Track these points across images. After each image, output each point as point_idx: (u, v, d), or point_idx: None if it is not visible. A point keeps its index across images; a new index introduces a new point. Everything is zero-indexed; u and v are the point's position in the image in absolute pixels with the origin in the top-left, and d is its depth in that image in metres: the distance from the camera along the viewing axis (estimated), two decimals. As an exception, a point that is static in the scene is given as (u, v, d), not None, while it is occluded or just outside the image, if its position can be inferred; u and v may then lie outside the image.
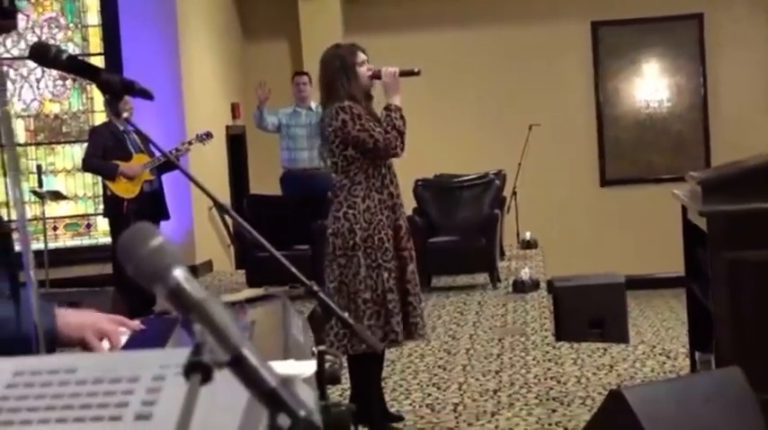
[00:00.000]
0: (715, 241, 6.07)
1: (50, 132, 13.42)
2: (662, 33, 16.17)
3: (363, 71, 6.43)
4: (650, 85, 16.47)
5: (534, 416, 6.69)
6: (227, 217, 11.10)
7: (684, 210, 7.12)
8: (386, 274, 6.32)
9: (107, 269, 10.34)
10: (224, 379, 1.50)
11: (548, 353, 8.62)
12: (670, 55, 16.34)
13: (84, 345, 2.85)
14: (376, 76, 6.51)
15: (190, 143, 10.53)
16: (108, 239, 11.28)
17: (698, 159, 15.15)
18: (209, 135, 10.86)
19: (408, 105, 6.58)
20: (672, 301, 10.71)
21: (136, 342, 2.84)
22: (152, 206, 9.83)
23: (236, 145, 14.90)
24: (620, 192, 16.01)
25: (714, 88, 16.25)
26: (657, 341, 9.41)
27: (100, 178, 10.63)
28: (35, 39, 11.00)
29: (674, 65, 16.40)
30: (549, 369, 8.03)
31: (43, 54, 3.21)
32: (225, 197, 12.47)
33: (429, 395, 7.39)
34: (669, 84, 16.41)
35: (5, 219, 3.04)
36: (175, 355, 1.70)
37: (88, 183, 12.79)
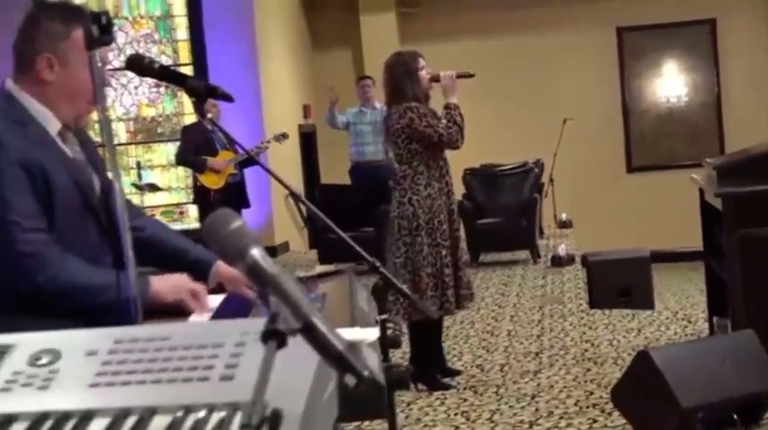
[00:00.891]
0: (729, 219, 6.04)
1: (147, 133, 13.54)
2: (679, 37, 16.08)
3: (424, 75, 6.50)
4: (669, 83, 16.40)
5: (572, 374, 6.67)
6: (300, 204, 11.13)
7: (702, 192, 7.10)
8: (444, 252, 6.42)
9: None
10: (297, 344, 1.50)
11: (582, 319, 8.62)
12: (686, 56, 16.24)
13: (178, 306, 2.87)
14: (435, 78, 6.56)
15: (268, 142, 10.57)
16: (197, 224, 11.35)
17: (712, 147, 15.03)
18: (285, 135, 10.91)
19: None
20: (691, 273, 10.61)
21: (221, 313, 2.85)
22: (235, 196, 9.88)
23: (308, 141, 14.92)
24: (644, 177, 15.94)
25: (726, 85, 16.15)
26: (679, 308, 9.32)
27: (191, 172, 10.68)
28: (133, 52, 11.05)
29: (691, 65, 16.30)
30: (584, 333, 8.02)
31: (139, 64, 3.23)
32: (298, 187, 12.48)
33: (479, 357, 7.38)
34: (686, 81, 16.32)
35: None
36: (254, 324, 1.71)
37: (180, 176, 12.87)
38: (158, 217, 12.99)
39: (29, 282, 2.73)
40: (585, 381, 6.43)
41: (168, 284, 2.92)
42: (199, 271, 3.11)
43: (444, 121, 6.42)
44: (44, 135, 2.91)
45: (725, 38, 16.00)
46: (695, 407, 4.94)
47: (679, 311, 9.02)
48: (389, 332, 3.01)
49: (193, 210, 12.45)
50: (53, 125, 2.94)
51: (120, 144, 12.34)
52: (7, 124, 2.83)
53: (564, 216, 13.68)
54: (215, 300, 2.99)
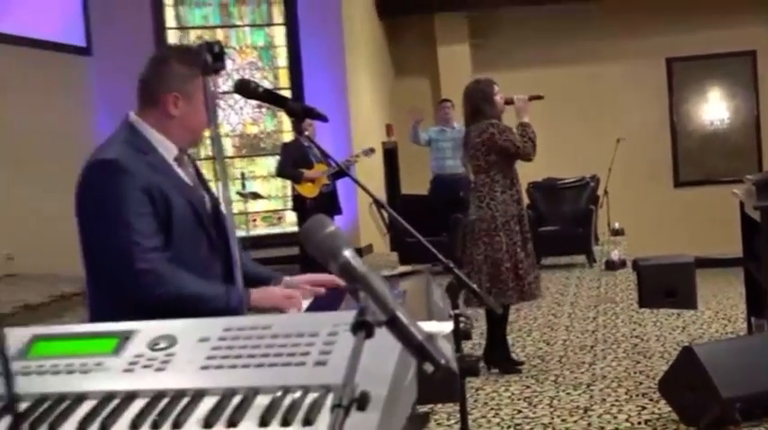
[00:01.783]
0: (766, 229, 5.95)
1: (251, 147, 13.64)
2: (722, 66, 15.85)
3: (498, 99, 6.56)
4: (713, 108, 16.17)
5: (622, 366, 6.61)
6: (383, 211, 11.17)
7: (742, 205, 7.01)
8: (518, 249, 6.51)
9: (293, 251, 10.50)
10: (382, 335, 1.51)
11: (632, 317, 8.52)
12: (729, 83, 16.02)
13: (275, 309, 2.89)
14: (509, 101, 6.66)
15: (357, 156, 10.60)
16: (294, 229, 11.41)
17: (751, 165, 14.84)
18: (372, 150, 10.97)
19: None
20: (731, 277, 10.43)
21: (315, 306, 2.87)
22: (328, 203, 9.91)
23: (390, 156, 14.93)
24: (689, 191, 15.74)
25: (764, 109, 15.93)
26: (720, 309, 9.19)
27: (289, 182, 10.73)
28: (240, 78, 11.21)
29: (733, 91, 16.07)
30: (634, 329, 7.93)
31: (245, 88, 3.26)
32: (381, 197, 12.52)
33: (540, 349, 7.35)
34: (728, 106, 16.09)
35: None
36: (345, 317, 1.71)
37: (279, 186, 12.92)
38: (259, 222, 13.13)
39: (145, 296, 2.76)
40: (635, 373, 6.38)
41: (265, 295, 2.94)
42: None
43: (519, 137, 6.48)
44: (163, 162, 2.95)
45: (763, 67, 15.77)
46: (734, 398, 4.88)
47: (720, 312, 8.91)
48: (462, 325, 3.01)
49: (290, 216, 12.49)
50: (170, 152, 2.98)
51: (227, 157, 12.45)
52: (132, 153, 2.87)
53: (617, 225, 13.56)
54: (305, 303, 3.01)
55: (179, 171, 3.00)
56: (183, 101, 2.96)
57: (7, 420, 1.62)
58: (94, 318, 2.87)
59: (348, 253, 1.57)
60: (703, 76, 16.02)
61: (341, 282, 2.92)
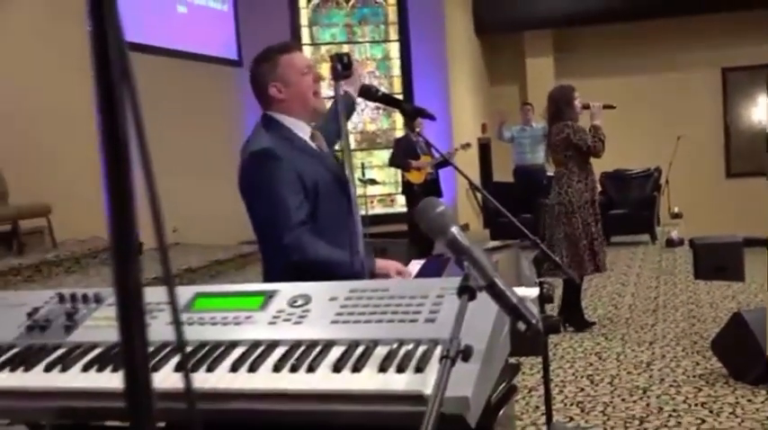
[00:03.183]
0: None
1: (369, 142, 13.72)
2: (770, 75, 15.50)
3: (577, 103, 6.49)
4: (761, 111, 15.74)
5: (680, 328, 6.48)
6: (479, 195, 11.15)
7: (786, 193, 6.84)
8: (593, 229, 6.50)
9: (402, 228, 10.54)
10: (482, 298, 1.49)
11: (689, 287, 8.37)
12: (777, 89, 15.67)
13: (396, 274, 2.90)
14: (586, 106, 6.59)
15: (456, 149, 10.58)
16: (403, 209, 11.39)
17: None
18: (468, 145, 10.93)
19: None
20: (776, 255, 10.15)
21: (424, 273, 2.86)
22: (432, 189, 9.90)
23: (484, 150, 14.85)
24: (740, 181, 15.36)
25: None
26: (764, 281, 8.92)
27: (399, 170, 10.76)
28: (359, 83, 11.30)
29: (780, 96, 15.71)
30: (690, 297, 7.78)
31: (368, 93, 3.28)
32: (476, 183, 12.53)
33: (609, 312, 7.25)
34: (776, 109, 15.74)
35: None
36: (451, 282, 1.71)
37: (391, 174, 12.96)
38: (375, 203, 13.20)
39: (289, 260, 2.80)
40: (691, 334, 6.25)
41: (386, 264, 2.95)
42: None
43: (591, 137, 6.42)
44: (303, 142, 2.96)
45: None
46: (777, 357, 4.77)
47: (764, 284, 8.65)
48: (545, 291, 2.97)
49: (400, 199, 12.50)
50: (305, 131, 2.99)
51: (351, 149, 12.55)
52: (278, 141, 2.89)
53: (676, 209, 13.33)
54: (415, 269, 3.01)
55: (314, 146, 3.01)
56: (282, 85, 2.95)
57: (176, 359, 1.67)
58: (266, 278, 2.93)
59: (455, 229, 1.56)
60: (753, 83, 15.63)
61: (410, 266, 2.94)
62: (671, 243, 11.31)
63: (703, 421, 4.30)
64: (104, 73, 0.61)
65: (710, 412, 4.44)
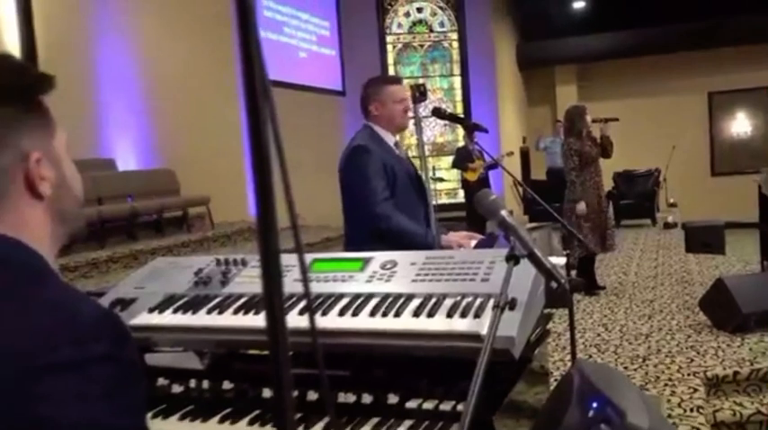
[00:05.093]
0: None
1: (438, 150, 13.63)
2: (749, 97, 14.82)
3: (588, 118, 6.23)
4: (740, 123, 15.14)
5: (674, 290, 6.27)
6: (520, 189, 11.00)
7: (759, 187, 6.56)
8: (599, 218, 6.18)
9: (462, 214, 10.45)
10: (524, 263, 1.47)
11: (681, 258, 8.07)
12: (752, 109, 14.97)
13: (460, 245, 2.89)
14: (596, 120, 6.32)
15: (503, 156, 10.43)
16: (462, 200, 11.27)
17: (766, 161, 13.84)
18: (512, 153, 10.89)
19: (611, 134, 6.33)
20: (750, 235, 9.69)
21: (479, 245, 2.85)
22: (483, 185, 9.77)
23: (524, 156, 14.61)
24: (722, 179, 14.84)
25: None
26: (741, 255, 8.59)
27: (460, 171, 10.67)
28: (431, 106, 11.29)
29: (754, 113, 15.00)
30: (682, 266, 7.51)
31: (438, 113, 3.26)
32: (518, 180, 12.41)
33: (619, 277, 7.06)
34: (751, 123, 15.07)
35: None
36: (500, 252, 1.69)
37: (454, 174, 12.84)
38: (443, 196, 13.13)
39: (377, 228, 2.81)
40: (683, 294, 6.05)
41: (453, 237, 2.94)
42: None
43: (598, 145, 6.25)
44: (388, 146, 3.00)
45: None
46: (750, 313, 4.60)
47: (742, 257, 8.34)
48: (570, 260, 2.92)
49: (460, 193, 12.40)
50: (390, 140, 3.03)
51: (425, 155, 12.53)
52: (371, 141, 2.94)
53: (671, 200, 12.95)
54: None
55: (397, 151, 3.04)
56: (380, 105, 2.99)
57: (301, 305, 1.69)
58: (348, 246, 2.95)
59: (504, 212, 1.55)
60: (732, 104, 15.06)
61: (472, 239, 2.91)
62: (667, 226, 11.02)
63: (692, 360, 4.18)
64: (251, 96, 0.62)
65: (698, 353, 4.31)
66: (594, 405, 1.21)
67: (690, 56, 14.43)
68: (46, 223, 0.96)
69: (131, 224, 7.99)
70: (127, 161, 9.30)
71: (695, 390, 3.68)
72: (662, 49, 14.30)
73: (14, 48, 7.46)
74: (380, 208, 2.82)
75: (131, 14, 9.23)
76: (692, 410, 3.45)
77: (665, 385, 3.79)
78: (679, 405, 3.52)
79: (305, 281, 0.71)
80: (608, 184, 6.99)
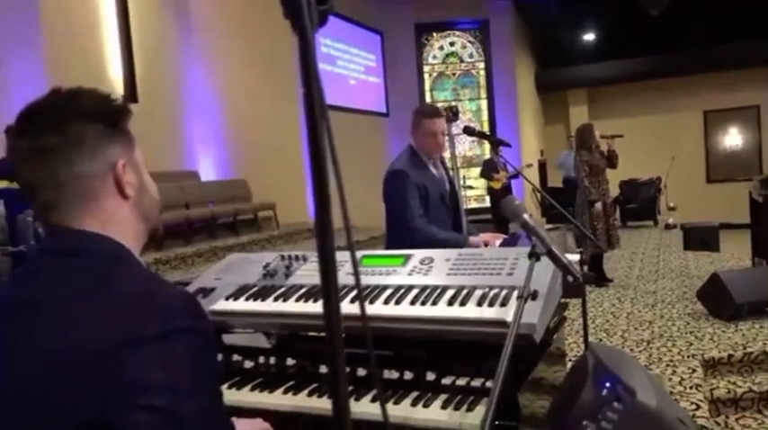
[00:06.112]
0: (765, 207, 5.31)
1: (468, 162, 13.49)
2: (739, 115, 14.35)
3: (597, 134, 6.09)
4: (732, 137, 14.61)
5: (675, 283, 6.08)
6: (538, 194, 10.82)
7: (750, 193, 6.31)
8: (607, 219, 6.04)
9: (488, 217, 10.31)
10: (544, 260, 1.44)
11: (680, 255, 7.82)
12: (743, 125, 14.45)
13: (487, 243, 2.84)
14: (603, 136, 6.16)
15: (523, 167, 10.29)
16: (488, 205, 11.16)
17: (755, 170, 13.36)
18: (530, 165, 10.74)
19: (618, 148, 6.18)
20: (742, 235, 9.36)
21: (504, 244, 2.80)
22: (506, 192, 9.63)
23: (542, 167, 14.37)
24: (716, 185, 14.39)
25: (764, 138, 14.29)
26: (734, 251, 8.28)
27: (486, 180, 10.56)
28: (462, 125, 11.22)
29: (744, 129, 14.48)
30: (682, 262, 7.28)
31: (468, 130, 3.23)
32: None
33: (625, 272, 6.88)
34: (742, 137, 14.54)
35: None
36: (522, 250, 1.65)
37: (481, 183, 12.66)
38: (472, 201, 13.01)
39: (414, 239, 2.79)
40: (682, 286, 5.86)
41: (477, 239, 2.89)
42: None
43: (605, 158, 6.09)
44: (425, 166, 2.96)
45: (764, 113, 14.19)
46: (743, 303, 4.43)
47: (734, 254, 8.04)
48: (582, 256, 2.85)
49: (487, 199, 12.25)
50: (428, 160, 2.99)
51: (458, 167, 12.43)
52: (409, 164, 2.91)
53: (671, 204, 12.58)
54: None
55: (433, 170, 2.99)
56: (422, 132, 2.94)
57: (352, 294, 1.68)
58: (389, 249, 2.92)
59: (526, 215, 1.52)
60: (725, 120, 14.57)
61: (496, 239, 2.86)
62: (668, 227, 10.67)
63: (691, 344, 4.04)
64: (311, 116, 0.61)
65: (696, 338, 4.16)
66: (607, 384, 1.17)
67: (687, 79, 14.07)
68: (131, 221, 0.99)
69: (212, 225, 8.12)
70: (208, 172, 9.46)
71: (694, 371, 3.55)
72: (662, 74, 13.98)
73: (118, 77, 7.65)
74: (416, 223, 2.80)
75: (212, 48, 9.40)
76: (691, 388, 3.33)
77: (667, 365, 3.67)
78: (680, 383, 3.40)
79: (356, 274, 0.70)
80: (615, 191, 6.82)
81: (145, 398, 0.78)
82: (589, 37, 15.03)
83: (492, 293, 1.59)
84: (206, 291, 1.87)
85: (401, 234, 2.87)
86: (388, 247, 2.95)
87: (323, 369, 1.70)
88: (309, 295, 1.77)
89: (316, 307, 1.69)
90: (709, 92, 14.19)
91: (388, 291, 1.71)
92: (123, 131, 0.99)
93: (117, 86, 7.45)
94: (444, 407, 1.49)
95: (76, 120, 0.93)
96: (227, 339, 1.82)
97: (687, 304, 5.11)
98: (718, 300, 4.56)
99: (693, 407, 3.09)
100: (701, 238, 8.50)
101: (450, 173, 3.17)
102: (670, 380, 3.44)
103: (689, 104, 14.42)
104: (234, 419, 1.32)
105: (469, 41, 13.50)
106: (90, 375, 0.79)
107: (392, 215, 2.93)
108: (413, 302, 1.63)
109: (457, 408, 1.48)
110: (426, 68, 13.29)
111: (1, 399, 0.83)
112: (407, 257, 1.87)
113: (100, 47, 7.51)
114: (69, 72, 6.47)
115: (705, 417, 3.01)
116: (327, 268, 0.64)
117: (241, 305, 1.80)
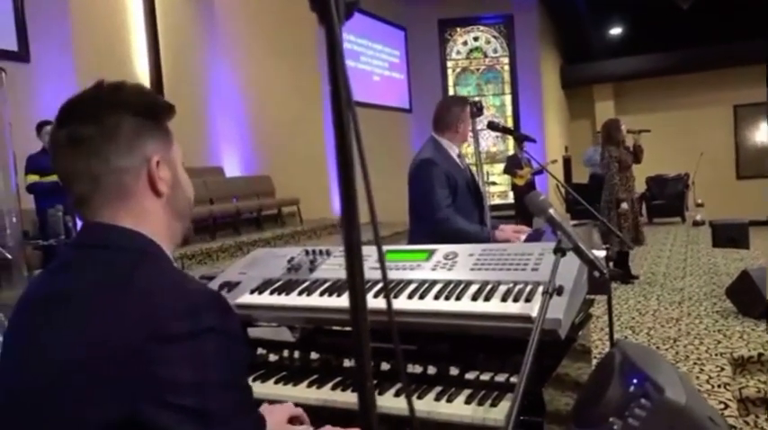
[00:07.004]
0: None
1: (491, 158, 13.41)
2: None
3: (624, 129, 6.00)
4: (762, 132, 14.25)
5: (702, 280, 5.98)
6: (562, 190, 10.71)
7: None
8: (633, 216, 5.98)
9: (512, 212, 10.23)
10: (570, 256, 1.42)
11: (709, 252, 7.68)
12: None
13: (511, 240, 2.82)
14: (630, 131, 6.09)
15: (547, 163, 10.19)
16: (512, 201, 11.05)
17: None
18: (555, 161, 10.62)
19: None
20: (772, 231, 9.23)
21: (528, 239, 2.77)
22: (530, 188, 9.56)
23: (567, 163, 14.22)
24: (746, 182, 14.09)
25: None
26: (765, 249, 8.12)
27: (510, 176, 10.47)
28: (486, 120, 11.13)
29: (776, 123, 14.29)
30: (710, 259, 7.14)
31: (492, 125, 3.20)
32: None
33: (652, 267, 6.79)
34: (773, 132, 14.31)
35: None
36: (548, 245, 1.64)
37: (505, 178, 12.57)
38: (496, 197, 12.92)
39: (440, 230, 2.75)
40: (710, 284, 5.76)
41: (503, 234, 2.87)
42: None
43: (631, 153, 6.00)
44: (452, 158, 2.94)
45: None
46: (774, 301, 4.33)
47: (765, 251, 7.87)
48: (608, 253, 2.81)
49: (510, 194, 12.17)
50: (454, 151, 2.97)
51: (481, 163, 12.32)
52: (437, 154, 2.89)
53: (700, 200, 12.35)
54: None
55: (458, 161, 2.97)
56: (463, 125, 2.94)
57: (376, 289, 1.68)
58: (411, 243, 2.91)
59: (551, 210, 1.50)
60: (755, 115, 14.21)
61: (521, 233, 2.83)
62: (696, 223, 10.50)
63: (719, 342, 3.97)
64: (338, 111, 0.61)
65: (724, 336, 4.09)
66: (635, 381, 1.15)
67: (716, 74, 13.79)
68: (164, 218, 0.99)
69: (236, 220, 8.19)
70: (232, 168, 9.54)
71: (722, 369, 3.49)
72: (689, 69, 13.74)
73: (145, 74, 7.76)
74: (443, 213, 2.78)
75: (236, 46, 9.46)
76: (719, 387, 3.27)
77: (695, 364, 3.61)
78: (707, 381, 3.34)
79: (382, 268, 0.70)
80: (641, 187, 6.70)
81: (173, 397, 0.79)
82: (615, 31, 14.80)
83: (517, 289, 1.57)
84: (231, 286, 1.89)
85: (426, 225, 2.85)
86: (411, 241, 2.94)
87: (347, 363, 1.70)
88: (333, 289, 1.77)
89: (339, 301, 1.69)
90: (739, 86, 13.88)
91: (412, 286, 1.70)
92: (162, 128, 0.99)
93: (144, 82, 7.56)
94: (468, 402, 1.49)
95: (114, 111, 0.94)
96: (252, 332, 1.83)
97: (716, 301, 5.02)
98: (748, 297, 4.47)
99: (722, 406, 3.04)
100: (729, 235, 8.33)
101: (472, 167, 3.16)
102: (697, 378, 3.39)
103: (718, 99, 14.14)
104: (265, 405, 1.33)
105: (494, 36, 13.39)
106: (118, 370, 0.79)
107: (418, 205, 2.92)
108: (437, 297, 1.62)
109: (481, 403, 1.47)
110: (450, 64, 13.23)
111: (31, 393, 0.84)
112: (431, 252, 1.87)
113: (127, 43, 7.62)
114: (98, 69, 6.58)
115: (734, 417, 2.96)
116: (354, 263, 0.64)
117: (265, 299, 1.81)
